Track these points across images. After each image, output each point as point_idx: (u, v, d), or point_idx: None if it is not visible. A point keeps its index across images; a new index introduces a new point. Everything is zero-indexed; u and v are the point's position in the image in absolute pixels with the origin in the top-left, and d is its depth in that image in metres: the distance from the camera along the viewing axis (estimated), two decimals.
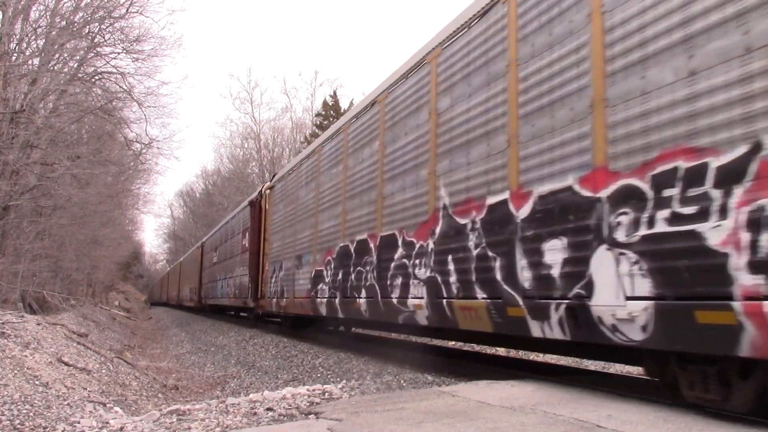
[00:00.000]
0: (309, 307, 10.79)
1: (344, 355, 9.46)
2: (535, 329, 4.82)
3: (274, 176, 15.65)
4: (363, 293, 8.19)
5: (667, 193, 3.68)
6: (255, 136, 49.13)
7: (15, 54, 15.67)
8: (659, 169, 3.74)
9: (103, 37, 17.86)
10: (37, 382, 6.03)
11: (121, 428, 4.21)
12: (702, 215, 3.44)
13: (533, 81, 5.02)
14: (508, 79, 5.36)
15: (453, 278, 5.91)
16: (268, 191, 15.14)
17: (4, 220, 15.31)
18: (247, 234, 17.28)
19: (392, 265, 7.30)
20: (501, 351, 10.14)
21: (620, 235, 3.98)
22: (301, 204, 11.88)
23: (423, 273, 6.51)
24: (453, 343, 10.87)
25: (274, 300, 13.52)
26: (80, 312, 19.99)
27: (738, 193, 3.26)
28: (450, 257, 6.02)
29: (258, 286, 15.23)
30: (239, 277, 18.03)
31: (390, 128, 7.80)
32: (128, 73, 18.30)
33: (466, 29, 6.16)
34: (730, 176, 3.31)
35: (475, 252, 5.63)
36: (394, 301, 7.13)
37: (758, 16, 3.25)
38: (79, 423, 4.70)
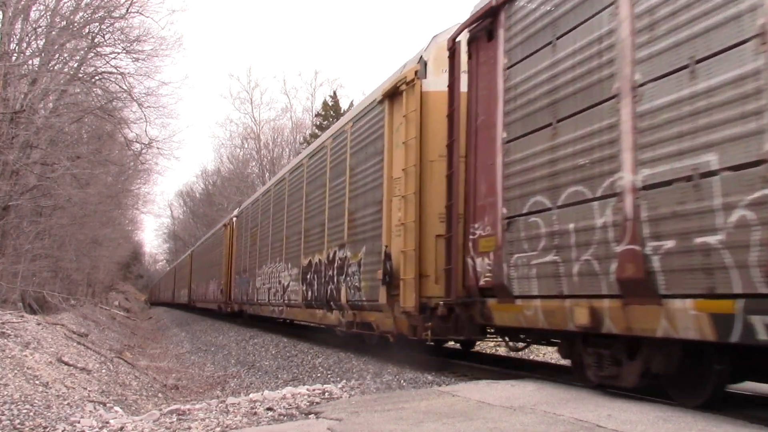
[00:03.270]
0: None
1: (344, 354, 9.45)
2: None
3: None
4: None
5: None
6: (255, 137, 49.05)
7: (15, 54, 15.67)
8: None
9: (103, 37, 17.88)
10: (37, 382, 6.04)
11: (121, 428, 4.21)
12: None
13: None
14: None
15: None
16: None
17: (4, 220, 15.30)
18: None
19: None
20: (501, 351, 10.13)
21: None
22: None
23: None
24: (453, 342, 10.84)
25: None
26: (80, 312, 19.99)
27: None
28: None
29: None
30: None
31: None
32: (128, 73, 18.31)
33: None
34: None
35: None
36: None
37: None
38: (79, 423, 4.70)
